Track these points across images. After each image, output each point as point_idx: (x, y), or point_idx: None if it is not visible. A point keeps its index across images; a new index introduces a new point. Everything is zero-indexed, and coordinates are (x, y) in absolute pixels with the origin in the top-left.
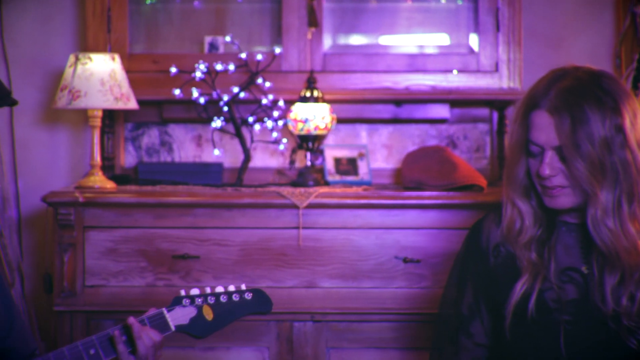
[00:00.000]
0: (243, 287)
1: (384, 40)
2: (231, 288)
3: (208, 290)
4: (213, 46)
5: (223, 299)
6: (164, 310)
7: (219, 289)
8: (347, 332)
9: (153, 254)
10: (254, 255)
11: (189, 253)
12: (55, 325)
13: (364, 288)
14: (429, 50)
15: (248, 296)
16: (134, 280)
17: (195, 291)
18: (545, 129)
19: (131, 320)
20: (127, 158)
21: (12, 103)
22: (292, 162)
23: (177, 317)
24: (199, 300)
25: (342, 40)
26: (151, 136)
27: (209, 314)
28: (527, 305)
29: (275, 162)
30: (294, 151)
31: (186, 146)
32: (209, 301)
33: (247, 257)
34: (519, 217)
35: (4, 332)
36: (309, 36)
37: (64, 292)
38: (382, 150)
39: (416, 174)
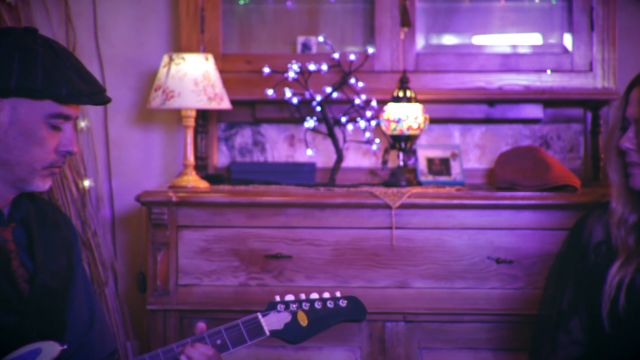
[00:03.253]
0: (338, 294)
1: (477, 40)
2: (326, 295)
3: (303, 296)
4: (306, 46)
5: (317, 305)
6: (259, 315)
7: (314, 295)
8: (440, 333)
9: (246, 253)
10: (346, 255)
11: (282, 253)
12: (148, 324)
13: (456, 288)
14: (522, 50)
15: (342, 303)
16: (226, 279)
17: (290, 297)
18: (636, 102)
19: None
20: (220, 158)
21: (107, 101)
22: (384, 162)
23: (272, 322)
24: (293, 306)
25: (435, 40)
26: (244, 136)
27: (303, 320)
28: (619, 292)
29: (367, 162)
30: (386, 151)
31: (279, 146)
32: (304, 307)
33: (340, 257)
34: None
35: (86, 326)
36: (402, 36)
37: (157, 290)
38: (474, 151)
39: (509, 174)
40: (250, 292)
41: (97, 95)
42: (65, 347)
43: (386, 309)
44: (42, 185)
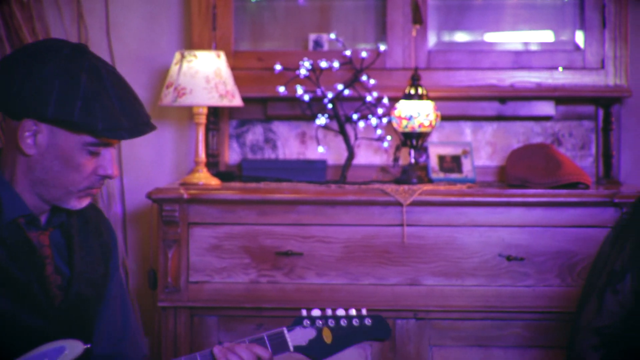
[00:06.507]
0: (364, 312)
1: (489, 37)
2: (352, 312)
3: (329, 312)
4: (317, 43)
5: (343, 322)
6: (284, 330)
7: (340, 311)
8: (450, 330)
9: (256, 250)
10: (357, 253)
11: (293, 250)
12: (159, 321)
13: (467, 286)
14: (534, 47)
15: (368, 322)
16: (237, 276)
17: (316, 312)
18: None
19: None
20: (231, 155)
21: (148, 132)
22: (395, 159)
23: (297, 337)
24: (319, 322)
25: (447, 37)
26: (255, 133)
27: (327, 337)
28: None
29: (378, 159)
30: (397, 148)
31: (290, 143)
32: (329, 324)
33: (351, 254)
34: None
35: (118, 336)
36: (414, 33)
37: (168, 288)
38: (486, 148)
39: (521, 171)
40: (261, 289)
41: (137, 128)
42: (88, 346)
43: (397, 306)
44: (78, 204)
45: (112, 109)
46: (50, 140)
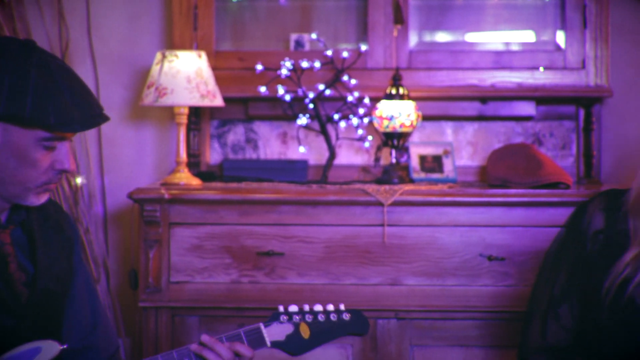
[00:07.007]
0: (342, 307)
1: (470, 37)
2: (330, 307)
3: (306, 307)
4: (299, 43)
5: (320, 317)
6: (261, 325)
7: (318, 307)
8: (431, 330)
9: (238, 250)
10: (338, 253)
11: (274, 250)
12: (140, 321)
13: (448, 286)
14: (515, 48)
15: (346, 317)
16: (218, 276)
17: (293, 308)
18: None
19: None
20: (213, 155)
21: (102, 122)
22: (377, 159)
23: (274, 332)
24: (296, 318)
25: (428, 37)
26: (237, 133)
27: (305, 332)
28: (627, 287)
29: (360, 159)
30: (379, 148)
31: (271, 143)
32: (307, 319)
33: (332, 254)
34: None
35: (88, 329)
36: (395, 33)
37: (149, 288)
38: (467, 148)
39: (501, 171)
40: (242, 289)
41: (90, 120)
42: (65, 346)
43: (378, 306)
44: (36, 201)
45: (64, 102)
46: (4, 137)
